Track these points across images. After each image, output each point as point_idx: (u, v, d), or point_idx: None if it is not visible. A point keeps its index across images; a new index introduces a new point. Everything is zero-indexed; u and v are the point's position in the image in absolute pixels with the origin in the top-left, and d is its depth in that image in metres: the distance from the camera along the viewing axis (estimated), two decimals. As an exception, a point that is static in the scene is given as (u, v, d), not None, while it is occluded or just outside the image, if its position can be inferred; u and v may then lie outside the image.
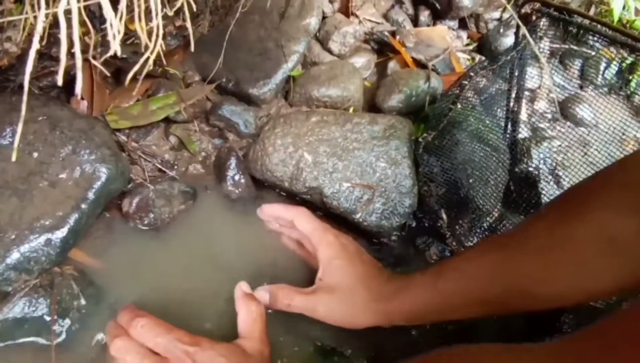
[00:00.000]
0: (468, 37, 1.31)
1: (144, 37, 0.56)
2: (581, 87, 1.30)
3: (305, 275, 0.82)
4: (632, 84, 1.25)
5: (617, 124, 1.11)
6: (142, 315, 0.64)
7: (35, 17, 0.48)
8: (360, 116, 0.94)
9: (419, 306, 0.70)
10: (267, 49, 0.99)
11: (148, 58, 0.58)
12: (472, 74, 0.92)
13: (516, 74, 0.99)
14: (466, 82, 0.95)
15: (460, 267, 0.69)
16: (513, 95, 1.03)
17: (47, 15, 0.44)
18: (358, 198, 0.88)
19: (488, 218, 0.96)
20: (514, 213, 0.98)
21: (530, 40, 0.82)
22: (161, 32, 0.56)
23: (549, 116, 1.24)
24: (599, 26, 0.87)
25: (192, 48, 0.64)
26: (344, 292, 0.73)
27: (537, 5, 0.93)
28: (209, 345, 0.61)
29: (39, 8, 0.44)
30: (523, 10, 0.95)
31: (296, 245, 0.84)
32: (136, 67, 0.57)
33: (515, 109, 1.03)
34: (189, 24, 0.60)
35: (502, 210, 0.98)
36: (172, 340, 0.61)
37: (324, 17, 1.10)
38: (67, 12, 0.44)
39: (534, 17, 0.96)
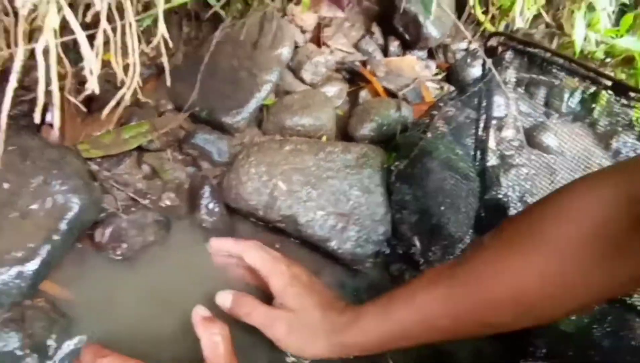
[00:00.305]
0: (437, 67, 1.34)
1: (120, 73, 0.56)
2: (547, 115, 1.34)
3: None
4: (595, 112, 1.29)
5: (582, 151, 1.15)
6: (105, 355, 0.63)
7: (10, 54, 0.48)
8: (333, 145, 0.95)
9: (372, 337, 0.71)
10: (240, 79, 1.00)
11: (124, 93, 0.58)
12: (441, 104, 0.95)
13: (484, 103, 1.02)
14: (436, 112, 0.97)
15: (409, 298, 0.71)
16: (481, 124, 1.06)
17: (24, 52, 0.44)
18: (332, 226, 0.88)
19: (460, 245, 0.98)
20: (485, 239, 0.99)
21: (496, 74, 0.85)
22: (138, 68, 0.56)
23: (516, 143, 1.27)
24: (560, 60, 0.91)
25: (168, 82, 0.65)
26: (303, 317, 0.73)
27: (502, 38, 0.96)
28: None
29: (17, 45, 0.44)
30: (489, 43, 0.98)
31: (248, 274, 0.83)
32: (113, 102, 0.58)
33: (484, 137, 1.06)
34: (165, 60, 0.61)
35: (474, 236, 1.00)
36: None
37: (296, 47, 1.11)
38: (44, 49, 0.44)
39: (499, 50, 0.99)
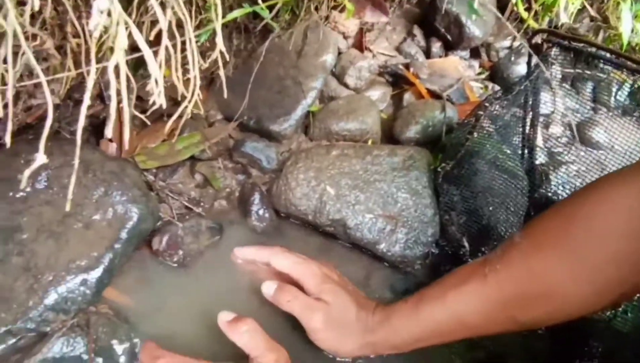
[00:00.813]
0: (480, 66, 1.33)
1: (180, 87, 0.59)
2: (595, 111, 1.31)
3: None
4: (645, 107, 1.26)
5: (633, 146, 1.13)
6: (161, 355, 0.66)
7: (77, 74, 0.51)
8: (379, 148, 0.96)
9: (404, 336, 0.72)
10: (286, 87, 1.02)
11: (186, 107, 0.61)
12: (487, 103, 0.94)
13: (530, 101, 1.01)
14: (482, 111, 0.97)
15: (440, 296, 0.71)
16: (528, 122, 1.05)
17: (94, 71, 0.47)
18: (381, 229, 0.89)
19: (510, 244, 0.97)
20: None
21: (545, 70, 0.84)
22: (199, 82, 0.59)
23: (564, 140, 1.25)
24: (607, 54, 0.89)
25: (225, 94, 0.67)
26: (339, 311, 0.74)
27: (547, 34, 0.95)
28: None
29: (88, 64, 0.47)
30: (534, 40, 0.97)
31: (277, 279, 0.81)
32: (175, 116, 0.60)
33: (531, 135, 1.05)
34: (222, 72, 0.63)
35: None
36: None
37: (339, 53, 1.13)
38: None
39: (544, 46, 0.98)
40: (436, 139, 1.05)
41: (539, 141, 1.14)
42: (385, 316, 0.74)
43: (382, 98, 1.14)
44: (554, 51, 0.96)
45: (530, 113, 1.00)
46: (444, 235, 0.95)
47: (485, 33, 1.28)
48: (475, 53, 1.35)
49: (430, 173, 0.96)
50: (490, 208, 0.95)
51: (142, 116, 0.63)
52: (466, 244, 0.95)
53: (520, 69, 1.29)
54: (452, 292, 0.71)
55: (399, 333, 0.73)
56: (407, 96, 1.14)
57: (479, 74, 1.32)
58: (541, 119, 1.22)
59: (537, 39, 0.97)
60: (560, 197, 1.01)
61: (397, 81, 1.21)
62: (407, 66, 1.20)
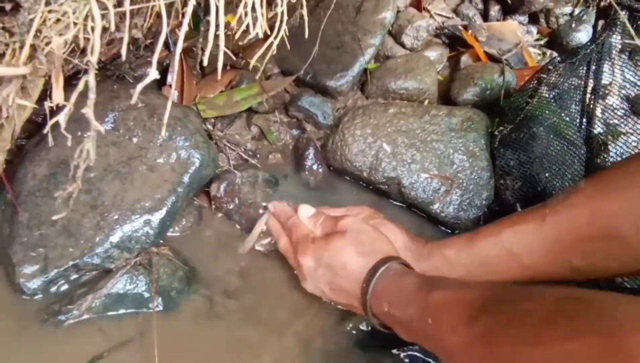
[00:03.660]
0: (538, 32, 1.30)
1: (264, 24, 0.59)
2: (653, 84, 1.27)
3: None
4: None
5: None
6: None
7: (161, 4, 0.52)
8: (437, 108, 0.95)
9: (456, 266, 0.72)
10: (344, 43, 1.01)
11: (270, 43, 0.61)
12: (550, 67, 0.92)
13: (593, 69, 0.98)
14: (544, 75, 0.95)
15: (495, 233, 0.71)
16: (589, 90, 1.02)
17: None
18: (436, 189, 0.89)
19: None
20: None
21: (632, 32, 0.81)
22: (285, 18, 0.59)
23: (621, 112, 1.22)
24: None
25: (288, 47, 0.67)
26: (389, 238, 0.72)
27: (616, -2, 0.92)
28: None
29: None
30: (602, 3, 0.94)
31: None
32: (261, 50, 0.61)
33: (592, 104, 1.03)
34: (284, 25, 0.63)
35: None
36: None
37: (397, 12, 1.11)
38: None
39: (612, 11, 0.95)
40: (494, 102, 1.03)
41: (598, 110, 1.11)
42: (438, 246, 0.74)
43: (439, 59, 1.12)
44: (622, 16, 0.93)
45: (592, 82, 0.98)
46: (498, 199, 0.94)
47: (549, -2, 1.24)
48: (534, 18, 1.31)
49: (487, 136, 0.95)
50: (547, 174, 0.94)
51: (232, 55, 0.62)
52: (519, 210, 0.94)
53: (581, 36, 1.25)
54: (509, 230, 0.70)
55: (451, 263, 0.72)
56: (465, 58, 1.12)
57: (537, 40, 1.28)
58: (604, 89, 1.19)
59: (605, 2, 0.94)
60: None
61: (454, 43, 1.19)
62: (465, 28, 1.17)
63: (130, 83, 0.86)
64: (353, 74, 0.99)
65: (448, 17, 1.23)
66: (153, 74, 0.47)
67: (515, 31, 1.24)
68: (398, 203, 0.94)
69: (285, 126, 0.97)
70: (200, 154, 0.80)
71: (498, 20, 1.27)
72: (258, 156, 0.93)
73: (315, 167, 0.93)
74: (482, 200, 0.91)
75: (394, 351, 0.76)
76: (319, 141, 0.96)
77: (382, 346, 0.75)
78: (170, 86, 0.88)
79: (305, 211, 0.76)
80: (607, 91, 1.25)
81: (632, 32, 0.84)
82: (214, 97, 0.92)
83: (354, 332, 0.77)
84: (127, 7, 0.50)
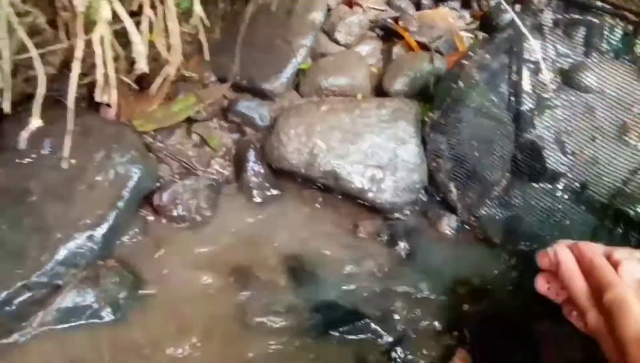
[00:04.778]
0: (471, 17, 1.34)
1: (164, 52, 0.63)
2: (586, 55, 1.32)
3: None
4: (637, 48, 1.27)
5: (624, 88, 1.15)
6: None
7: (70, 45, 0.56)
8: (368, 102, 1.00)
9: None
10: (276, 46, 1.06)
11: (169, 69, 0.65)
12: (471, 53, 0.97)
13: (515, 48, 1.03)
14: (467, 61, 0.99)
15: None
16: (514, 68, 1.07)
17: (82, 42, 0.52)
18: (370, 178, 0.94)
19: (496, 188, 1.02)
20: (522, 180, 1.03)
21: (517, 19, 0.86)
22: (179, 47, 0.63)
23: (554, 86, 1.27)
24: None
25: (207, 56, 0.71)
26: None
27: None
28: None
29: (77, 36, 0.51)
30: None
31: None
32: (160, 78, 0.64)
33: (518, 81, 1.08)
34: (203, 38, 0.67)
35: (510, 179, 1.03)
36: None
37: (328, 10, 1.15)
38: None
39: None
40: (425, 90, 1.08)
41: (527, 87, 1.16)
42: None
43: (372, 53, 1.16)
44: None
45: (516, 60, 1.03)
46: (432, 181, 0.99)
47: (472, -17, 1.29)
48: (466, 3, 1.36)
49: (418, 123, 0.99)
50: (476, 154, 0.99)
51: (130, 82, 0.67)
52: (454, 189, 0.99)
53: (511, 17, 1.30)
54: None
55: None
56: (397, 49, 1.16)
57: (470, 24, 1.33)
58: (531, 65, 1.24)
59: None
60: (545, 140, 1.04)
61: (388, 34, 1.23)
62: (396, 20, 1.22)
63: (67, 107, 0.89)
64: (287, 75, 1.04)
65: (381, 10, 1.27)
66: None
67: (447, 18, 1.28)
68: (339, 196, 0.98)
69: (226, 131, 1.01)
70: (138, 168, 0.84)
71: (430, 8, 1.31)
72: (200, 163, 0.97)
73: (256, 168, 0.97)
74: (415, 184, 0.95)
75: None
76: (259, 142, 1.00)
77: None
78: (107, 105, 0.91)
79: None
80: (539, 67, 1.30)
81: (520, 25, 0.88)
82: (152, 111, 0.95)
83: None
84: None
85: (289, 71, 1.03)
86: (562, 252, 0.58)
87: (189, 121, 0.99)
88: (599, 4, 0.96)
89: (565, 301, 0.59)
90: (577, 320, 0.56)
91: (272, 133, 0.97)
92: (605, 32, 1.31)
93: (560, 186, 1.04)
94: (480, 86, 1.03)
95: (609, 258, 0.55)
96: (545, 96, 1.22)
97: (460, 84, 0.99)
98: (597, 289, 0.52)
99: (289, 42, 1.05)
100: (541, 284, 0.61)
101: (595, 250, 0.55)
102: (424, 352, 0.81)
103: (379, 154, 0.95)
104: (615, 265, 0.53)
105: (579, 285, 0.55)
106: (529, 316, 0.85)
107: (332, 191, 0.98)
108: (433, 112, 0.99)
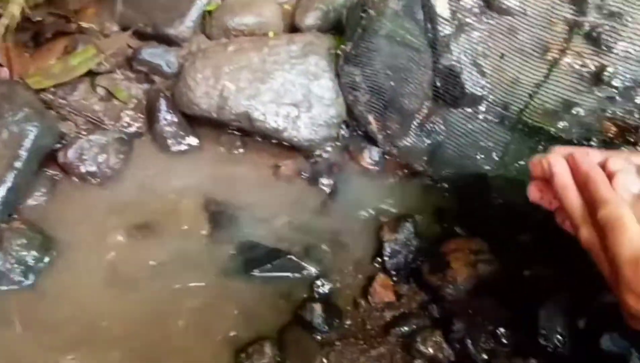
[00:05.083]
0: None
1: None
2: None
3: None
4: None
5: (544, 6, 1.14)
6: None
7: None
8: (277, 39, 0.96)
9: None
10: (180, -12, 1.01)
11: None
12: (375, -22, 0.94)
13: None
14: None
15: None
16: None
17: None
18: (285, 116, 0.92)
19: (417, 116, 1.01)
20: (442, 106, 1.02)
21: None
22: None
23: (476, 10, 1.25)
24: None
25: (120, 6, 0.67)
26: None
27: None
28: None
29: None
30: None
31: None
32: (5, 22, 0.60)
33: (432, 6, 1.06)
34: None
35: (431, 105, 1.02)
36: None
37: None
38: None
39: None
40: (340, 23, 1.05)
41: (445, 12, 1.14)
42: None
43: (284, -11, 1.12)
44: None
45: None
46: (351, 115, 0.98)
47: None
48: None
49: (331, 57, 0.97)
50: (393, 83, 0.98)
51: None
52: (373, 121, 0.98)
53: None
54: None
55: None
56: (309, -17, 1.12)
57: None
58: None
59: None
60: (463, 64, 1.03)
61: (301, -31, 1.19)
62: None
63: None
64: (192, 18, 0.99)
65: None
66: None
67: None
68: (257, 138, 0.96)
69: (134, 82, 0.98)
70: (33, 126, 0.80)
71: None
72: (109, 117, 0.93)
73: (169, 117, 0.94)
74: (332, 118, 0.94)
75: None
76: (169, 90, 0.97)
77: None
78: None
79: (629, 181, 0.50)
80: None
81: None
82: (49, 66, 0.91)
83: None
84: None
85: (194, 14, 0.99)
86: (556, 163, 0.54)
87: (92, 74, 0.95)
88: None
89: (559, 209, 0.56)
90: (571, 229, 0.54)
91: (180, 79, 0.93)
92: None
93: (482, 109, 1.04)
94: (392, 13, 1.01)
95: (604, 168, 0.52)
96: (469, 21, 1.21)
97: (371, 12, 0.97)
98: (592, 204, 0.50)
99: (192, -17, 1.00)
100: (533, 193, 0.58)
101: (590, 162, 0.52)
102: (347, 281, 0.82)
103: (292, 92, 0.92)
104: (610, 177, 0.51)
105: (572, 199, 0.52)
106: (450, 237, 0.86)
107: (249, 133, 0.95)
108: (345, 45, 0.97)
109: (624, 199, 0.49)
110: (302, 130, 0.92)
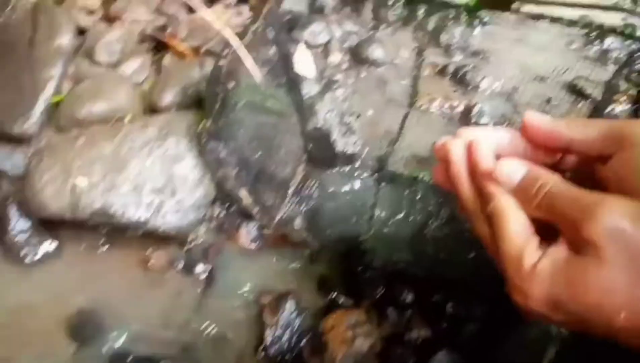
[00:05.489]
0: (251, 10, 1.30)
1: None
2: (376, 28, 1.33)
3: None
4: (419, 13, 1.29)
5: (411, 55, 1.16)
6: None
7: None
8: (131, 124, 0.91)
9: None
10: (22, 83, 0.94)
11: None
12: (225, 52, 0.92)
13: (281, 38, 0.99)
14: (222, 63, 0.94)
15: None
16: (293, 56, 1.04)
17: None
18: (148, 206, 0.86)
19: (292, 182, 0.98)
20: (317, 169, 1.00)
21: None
22: None
23: (345, 65, 1.25)
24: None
25: None
26: None
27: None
28: None
29: None
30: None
31: None
32: None
33: (290, 70, 1.05)
34: None
35: (306, 170, 0.99)
36: None
37: (82, 31, 1.05)
38: None
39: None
40: (200, 98, 1.01)
41: (311, 73, 1.14)
42: None
43: (141, 69, 1.08)
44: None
45: (284, 50, 0.99)
46: (223, 192, 0.93)
47: (243, -24, 1.24)
48: (243, -2, 1.31)
49: (192, 135, 0.92)
50: (261, 154, 0.94)
51: None
52: (246, 195, 0.94)
53: (289, 3, 1.27)
54: None
55: None
56: (167, 60, 1.09)
57: (250, 18, 1.28)
58: (319, 49, 1.22)
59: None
60: (330, 124, 1.01)
61: (161, 46, 1.15)
62: (164, 28, 1.14)
63: None
64: (38, 113, 0.93)
65: (150, 20, 1.19)
66: None
67: (222, 16, 1.22)
68: (123, 233, 0.89)
69: (-22, 191, 0.89)
70: None
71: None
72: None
73: (21, 225, 0.86)
74: (200, 200, 0.89)
75: None
76: (20, 194, 0.89)
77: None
78: None
79: (512, 169, 0.45)
80: (328, 49, 1.28)
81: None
82: None
83: None
84: None
85: (39, 108, 0.92)
86: (452, 149, 0.49)
87: None
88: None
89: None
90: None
91: (27, 181, 0.86)
92: (390, 2, 1.32)
93: (357, 166, 1.03)
94: (250, 82, 0.98)
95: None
96: (338, 78, 1.21)
97: (229, 85, 0.94)
98: (482, 196, 0.46)
99: (35, 76, 0.94)
100: (436, 176, 0.52)
101: (482, 149, 0.47)
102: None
103: (153, 178, 0.87)
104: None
105: (465, 190, 0.48)
106: (332, 310, 0.82)
107: (113, 229, 0.88)
108: (206, 120, 0.93)
109: (510, 186, 0.45)
110: (169, 218, 0.86)
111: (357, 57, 1.24)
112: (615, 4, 1.10)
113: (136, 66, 1.08)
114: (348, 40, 1.27)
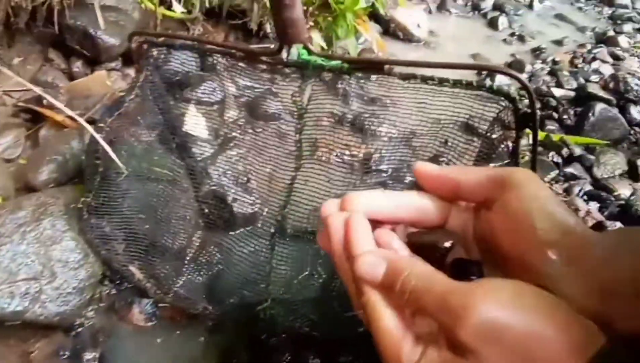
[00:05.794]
0: (137, 72, 1.25)
1: None
2: (272, 82, 1.31)
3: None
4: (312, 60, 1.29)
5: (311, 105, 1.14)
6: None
7: None
8: (2, 206, 0.83)
9: None
10: None
11: None
12: (101, 123, 0.86)
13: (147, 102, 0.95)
14: (107, 127, 0.89)
15: None
16: (180, 118, 1.00)
17: None
18: (23, 295, 0.78)
19: (189, 250, 0.92)
20: (217, 233, 0.95)
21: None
22: None
23: (242, 121, 1.22)
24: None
25: None
26: None
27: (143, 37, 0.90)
28: None
29: None
30: (133, 45, 0.91)
31: None
32: None
33: (181, 134, 1.00)
34: None
35: (204, 235, 0.95)
36: None
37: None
38: None
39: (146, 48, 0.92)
40: (81, 171, 0.95)
41: (204, 133, 1.10)
42: None
43: (14, 144, 1.00)
44: (155, 51, 0.91)
45: (160, 114, 0.95)
46: (111, 269, 0.86)
47: (124, 39, 1.20)
48: (128, 60, 1.26)
49: (72, 213, 0.86)
50: (151, 225, 0.89)
51: None
52: (136, 271, 0.87)
53: (175, 63, 1.24)
54: None
55: None
56: (44, 132, 1.02)
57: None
58: (215, 107, 1.18)
59: (136, 43, 0.91)
60: (225, 186, 0.98)
61: (37, 116, 1.08)
62: (40, 98, 1.07)
63: None
64: None
65: (25, 90, 1.12)
66: None
67: (104, 81, 1.17)
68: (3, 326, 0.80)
69: None
70: None
71: (86, 74, 1.19)
72: None
73: None
74: (83, 281, 0.82)
75: None
76: None
77: None
78: None
79: (371, 263, 0.41)
80: (223, 107, 1.25)
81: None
82: None
83: None
84: None
85: None
86: (331, 224, 0.45)
87: None
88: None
89: None
90: None
91: None
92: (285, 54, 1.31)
93: (258, 226, 0.99)
94: (136, 150, 0.93)
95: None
96: (236, 134, 1.18)
97: (106, 156, 0.88)
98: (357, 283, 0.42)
99: None
100: (321, 242, 0.48)
101: (356, 231, 0.43)
102: None
103: (28, 265, 0.79)
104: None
105: (343, 270, 0.44)
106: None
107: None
108: (86, 195, 0.86)
109: (375, 283, 0.41)
110: (49, 305, 0.78)
111: (254, 112, 1.21)
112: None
113: (9, 142, 1.00)
114: (244, 96, 1.24)
